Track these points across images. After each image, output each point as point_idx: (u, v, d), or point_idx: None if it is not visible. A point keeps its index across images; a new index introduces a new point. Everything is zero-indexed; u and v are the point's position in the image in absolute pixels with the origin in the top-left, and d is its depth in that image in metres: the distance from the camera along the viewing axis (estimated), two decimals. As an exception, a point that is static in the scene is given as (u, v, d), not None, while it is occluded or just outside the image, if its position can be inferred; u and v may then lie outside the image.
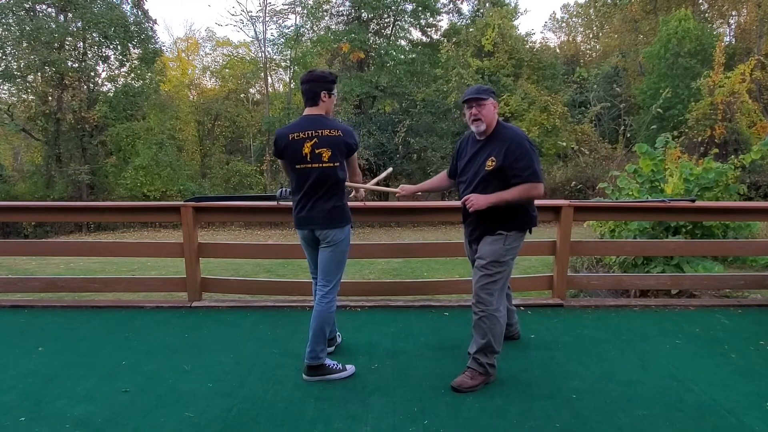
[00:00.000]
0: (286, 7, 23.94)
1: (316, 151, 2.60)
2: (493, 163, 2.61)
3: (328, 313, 2.73)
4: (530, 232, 2.79)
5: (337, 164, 2.63)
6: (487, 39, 20.83)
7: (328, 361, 2.73)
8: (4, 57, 19.54)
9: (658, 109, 15.91)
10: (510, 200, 2.58)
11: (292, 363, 2.87)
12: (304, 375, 2.70)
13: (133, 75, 21.69)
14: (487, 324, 2.62)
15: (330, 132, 2.62)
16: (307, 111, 2.70)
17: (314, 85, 2.66)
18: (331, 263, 2.74)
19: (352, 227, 2.83)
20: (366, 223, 17.51)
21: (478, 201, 2.58)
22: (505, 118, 18.29)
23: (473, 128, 2.70)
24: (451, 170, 3.04)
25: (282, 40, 23.53)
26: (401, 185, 3.25)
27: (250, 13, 30.07)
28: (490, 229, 2.69)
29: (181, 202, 3.98)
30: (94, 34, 20.50)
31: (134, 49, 21.65)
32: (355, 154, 2.76)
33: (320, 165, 2.61)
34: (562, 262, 3.95)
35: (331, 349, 3.00)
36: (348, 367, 2.76)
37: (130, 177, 19.72)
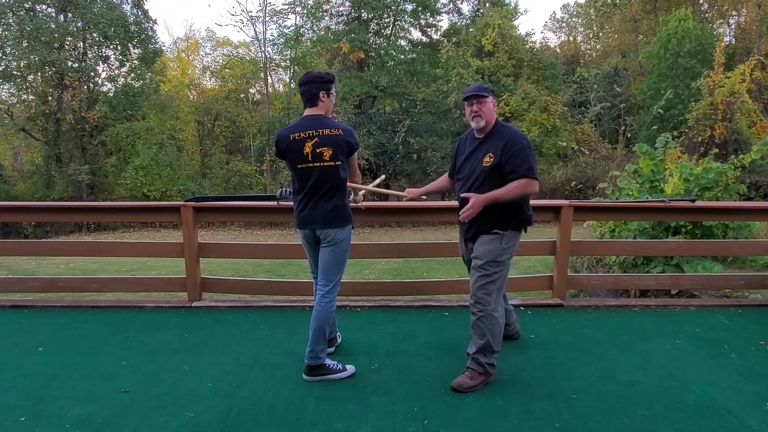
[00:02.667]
0: (286, 7, 23.93)
1: (317, 151, 2.61)
2: (491, 159, 2.64)
3: (328, 313, 2.73)
4: (525, 231, 2.80)
5: (338, 163, 2.65)
6: (487, 39, 20.85)
7: (328, 361, 2.74)
8: (4, 57, 19.54)
9: (659, 110, 15.92)
10: (506, 198, 2.59)
11: (292, 363, 2.87)
12: (304, 375, 2.70)
13: (133, 75, 21.69)
14: (486, 324, 2.63)
15: (331, 131, 2.63)
16: (307, 112, 2.72)
17: (312, 86, 2.68)
18: (332, 263, 2.75)
19: (353, 227, 2.84)
20: (366, 223, 17.50)
21: (475, 203, 2.56)
22: (505, 118, 18.31)
23: (473, 124, 2.75)
24: (450, 170, 3.06)
25: (282, 40, 23.55)
26: (407, 189, 3.25)
27: (250, 13, 30.10)
28: (486, 228, 2.69)
29: (181, 202, 3.98)
30: (94, 34, 20.49)
31: (134, 49, 21.65)
32: (356, 153, 2.76)
33: (321, 164, 2.62)
34: (562, 262, 3.95)
35: (331, 349, 3.00)
36: (348, 367, 2.76)
37: (130, 177, 19.71)
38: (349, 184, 2.84)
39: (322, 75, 2.73)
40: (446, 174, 3.16)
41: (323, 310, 2.71)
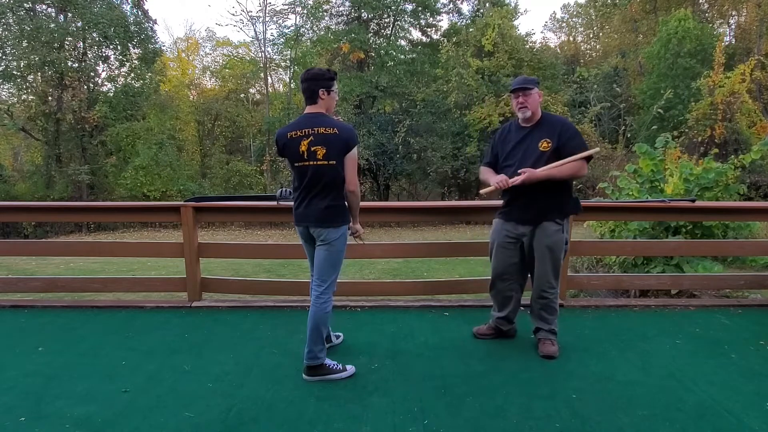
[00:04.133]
0: (286, 7, 23.98)
1: (312, 149, 2.61)
2: (549, 144, 2.85)
3: (323, 314, 2.72)
4: (577, 213, 3.07)
5: (332, 162, 2.62)
6: (487, 39, 20.82)
7: (328, 361, 2.74)
8: (4, 57, 19.54)
9: (659, 110, 15.91)
10: (561, 175, 2.81)
11: (292, 363, 2.87)
12: (304, 375, 2.70)
13: (133, 75, 21.68)
14: (557, 301, 3.05)
15: (325, 130, 2.62)
16: (308, 109, 2.72)
17: (312, 84, 2.68)
18: (326, 263, 2.73)
19: (349, 228, 2.83)
20: (366, 223, 17.48)
21: (530, 176, 2.78)
22: (505, 118, 18.31)
23: (519, 115, 2.96)
24: (490, 161, 3.14)
25: (282, 40, 23.55)
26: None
27: (250, 13, 30.15)
28: (549, 214, 2.90)
29: (181, 202, 3.98)
30: (94, 34, 20.49)
31: (134, 49, 21.65)
32: (354, 153, 2.70)
33: (315, 163, 2.62)
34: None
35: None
36: (348, 367, 2.76)
37: (130, 177, 19.71)
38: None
39: (323, 72, 2.72)
40: (484, 167, 3.15)
41: (318, 310, 2.70)
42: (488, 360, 2.95)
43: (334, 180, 2.65)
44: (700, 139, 15.66)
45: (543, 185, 2.82)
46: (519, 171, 2.83)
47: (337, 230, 2.71)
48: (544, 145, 2.86)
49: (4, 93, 21.45)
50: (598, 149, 3.20)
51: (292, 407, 2.41)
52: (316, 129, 2.62)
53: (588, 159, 2.87)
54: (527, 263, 3.08)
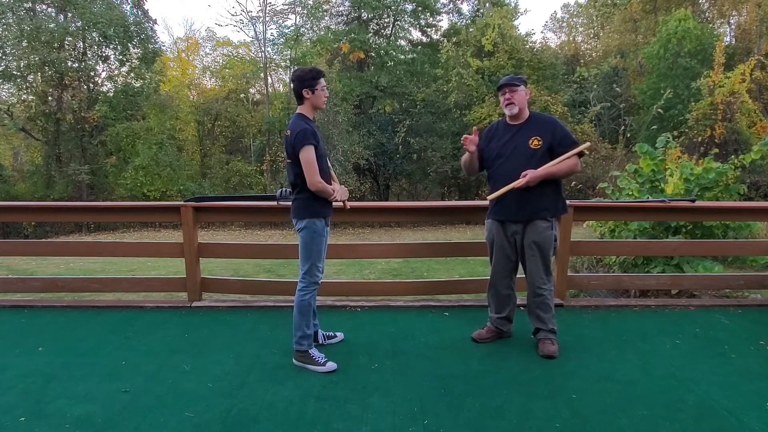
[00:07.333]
0: (286, 7, 23.97)
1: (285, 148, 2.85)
2: (540, 142, 2.87)
3: (300, 302, 2.83)
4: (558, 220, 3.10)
5: (288, 161, 2.81)
6: (487, 39, 20.79)
7: (314, 352, 2.83)
8: (4, 57, 19.51)
9: (659, 110, 15.89)
10: (560, 174, 2.86)
11: (292, 363, 2.88)
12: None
13: (132, 75, 21.66)
14: (551, 298, 3.06)
15: (287, 132, 2.79)
16: (297, 110, 2.87)
17: (295, 85, 2.82)
18: (299, 252, 2.86)
19: (327, 225, 2.89)
20: (366, 223, 17.51)
21: (533, 175, 2.80)
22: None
23: (507, 111, 2.97)
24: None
25: (282, 40, 23.56)
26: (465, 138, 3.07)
27: (250, 13, 30.06)
28: (541, 212, 2.93)
29: (181, 202, 3.99)
30: (94, 34, 20.46)
31: (134, 48, 21.59)
32: (306, 154, 2.67)
33: (285, 161, 2.88)
34: (562, 262, 3.95)
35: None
36: (329, 363, 2.81)
37: (130, 177, 19.70)
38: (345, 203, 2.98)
39: (304, 73, 2.80)
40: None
41: (296, 298, 2.84)
42: (488, 360, 2.95)
43: (295, 177, 2.78)
44: (700, 139, 15.65)
45: (536, 184, 2.85)
46: (521, 174, 2.85)
47: (301, 222, 2.83)
48: (535, 143, 2.89)
49: (4, 93, 21.46)
50: (588, 143, 3.23)
51: (292, 407, 2.41)
52: (287, 131, 2.80)
53: (580, 155, 2.91)
54: (520, 261, 3.12)
